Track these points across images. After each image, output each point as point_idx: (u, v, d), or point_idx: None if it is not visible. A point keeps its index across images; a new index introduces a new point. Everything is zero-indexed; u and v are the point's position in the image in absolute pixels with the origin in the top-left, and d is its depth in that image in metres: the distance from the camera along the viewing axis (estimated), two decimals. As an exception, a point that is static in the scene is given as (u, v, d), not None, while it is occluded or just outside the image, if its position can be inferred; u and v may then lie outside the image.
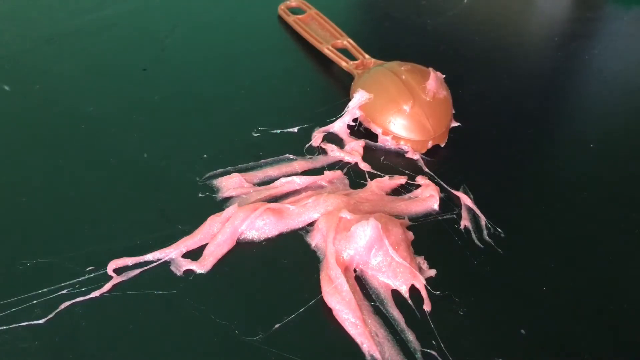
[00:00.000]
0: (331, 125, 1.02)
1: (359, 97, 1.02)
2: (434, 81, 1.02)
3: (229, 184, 0.88)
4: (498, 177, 1.00)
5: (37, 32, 1.20)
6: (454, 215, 0.90)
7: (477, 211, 0.90)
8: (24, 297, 0.69)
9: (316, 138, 1.00)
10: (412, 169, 0.97)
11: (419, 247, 0.82)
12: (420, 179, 0.95)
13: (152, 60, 1.16)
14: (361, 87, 1.04)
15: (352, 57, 1.19)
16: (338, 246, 0.78)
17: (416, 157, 0.99)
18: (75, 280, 0.72)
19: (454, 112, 1.05)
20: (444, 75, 1.05)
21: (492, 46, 1.37)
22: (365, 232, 0.77)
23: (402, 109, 1.00)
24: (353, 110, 1.02)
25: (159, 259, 0.76)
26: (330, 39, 1.23)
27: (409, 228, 0.85)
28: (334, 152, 0.98)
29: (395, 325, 0.72)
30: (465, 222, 0.88)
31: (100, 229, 0.79)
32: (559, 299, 0.79)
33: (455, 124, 1.05)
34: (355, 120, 1.03)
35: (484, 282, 0.80)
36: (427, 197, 0.91)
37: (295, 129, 1.01)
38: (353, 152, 0.98)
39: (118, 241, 0.77)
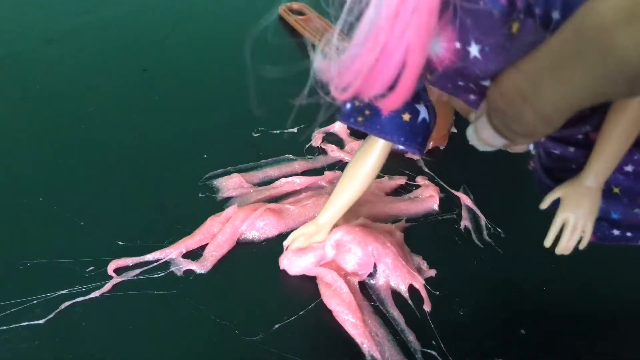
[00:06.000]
0: (331, 125, 1.02)
1: None
2: None
3: (229, 184, 0.88)
4: (498, 177, 1.00)
5: (37, 32, 1.20)
6: (454, 215, 0.90)
7: (477, 211, 0.90)
8: (24, 297, 0.69)
9: (316, 138, 1.00)
10: (412, 169, 0.97)
11: (419, 247, 0.82)
12: (420, 179, 0.95)
13: (152, 60, 1.16)
14: None
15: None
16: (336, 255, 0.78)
17: (416, 157, 0.99)
18: (75, 280, 0.71)
19: (454, 117, 1.05)
20: None
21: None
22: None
23: None
24: None
25: (159, 259, 0.76)
26: (330, 40, 1.24)
27: (407, 229, 0.86)
28: (334, 152, 0.98)
29: (395, 325, 0.72)
30: (465, 222, 0.88)
31: (100, 229, 0.79)
32: (559, 299, 0.79)
33: (454, 130, 1.05)
34: None
35: (484, 282, 0.80)
36: (427, 197, 0.91)
37: (295, 129, 1.01)
38: (353, 152, 0.98)
39: (118, 241, 0.77)
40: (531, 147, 0.67)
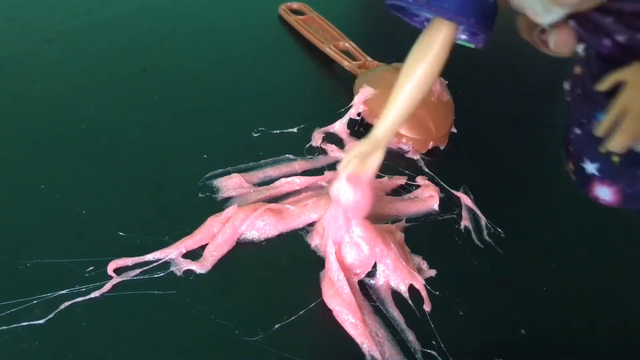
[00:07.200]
0: (331, 125, 1.02)
1: (364, 92, 1.03)
2: (439, 84, 1.03)
3: (229, 184, 0.88)
4: (498, 177, 1.00)
5: (37, 32, 1.20)
6: (454, 215, 0.90)
7: (477, 211, 0.90)
8: (24, 297, 0.69)
9: (316, 138, 1.00)
10: (412, 169, 0.97)
11: (419, 247, 0.82)
12: (420, 179, 0.95)
13: (152, 60, 1.16)
14: (367, 83, 1.05)
15: (353, 59, 1.19)
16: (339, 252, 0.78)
17: (416, 157, 0.99)
18: (75, 280, 0.71)
19: (454, 118, 1.05)
20: (447, 82, 1.06)
21: (492, 47, 1.36)
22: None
23: None
24: (358, 104, 1.03)
25: (159, 259, 0.76)
26: (331, 41, 1.24)
27: (407, 228, 0.85)
28: (334, 152, 0.98)
29: (395, 325, 0.72)
30: (465, 222, 0.88)
31: (100, 229, 0.79)
32: (559, 299, 0.79)
33: (454, 130, 1.05)
34: (358, 114, 1.03)
35: (484, 282, 0.80)
36: (427, 197, 0.91)
37: (295, 129, 1.01)
38: (353, 152, 0.98)
39: (118, 241, 0.77)
40: (580, 49, 0.58)
